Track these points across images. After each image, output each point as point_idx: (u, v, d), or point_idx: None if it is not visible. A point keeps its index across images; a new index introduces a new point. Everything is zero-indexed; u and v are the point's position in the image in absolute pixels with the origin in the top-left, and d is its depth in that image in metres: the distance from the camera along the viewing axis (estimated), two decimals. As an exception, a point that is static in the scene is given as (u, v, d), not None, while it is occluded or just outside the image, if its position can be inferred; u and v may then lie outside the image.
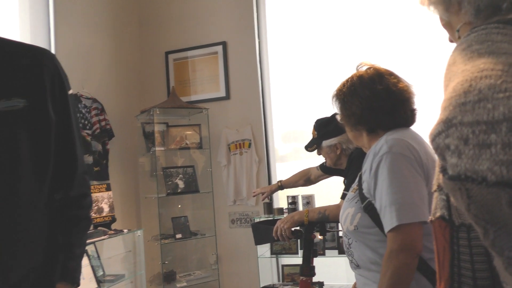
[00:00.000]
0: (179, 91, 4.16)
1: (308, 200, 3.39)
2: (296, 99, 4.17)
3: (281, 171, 4.20)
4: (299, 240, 3.38)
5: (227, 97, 4.21)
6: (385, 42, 3.82)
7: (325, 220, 2.10)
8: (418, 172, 1.30)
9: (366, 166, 1.40)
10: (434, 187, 0.74)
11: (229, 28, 4.23)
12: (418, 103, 1.49)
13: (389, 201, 1.27)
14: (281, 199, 3.99)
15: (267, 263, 3.72)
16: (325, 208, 2.13)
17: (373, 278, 1.39)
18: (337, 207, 2.12)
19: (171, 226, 3.72)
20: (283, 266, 3.58)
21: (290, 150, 4.38)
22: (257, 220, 3.41)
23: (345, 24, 3.97)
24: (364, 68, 1.51)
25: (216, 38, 4.27)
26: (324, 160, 2.60)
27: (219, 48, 4.27)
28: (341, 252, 3.12)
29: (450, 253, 0.70)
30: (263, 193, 2.83)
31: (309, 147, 2.41)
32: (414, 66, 3.65)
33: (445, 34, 0.90)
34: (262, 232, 2.28)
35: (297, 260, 3.51)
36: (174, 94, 3.82)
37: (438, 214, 0.72)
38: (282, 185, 2.81)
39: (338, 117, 1.61)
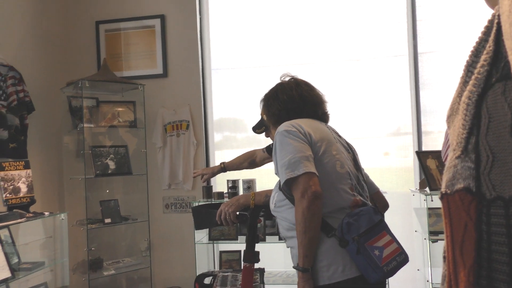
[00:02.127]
0: (111, 65, 3.82)
1: (249, 184, 3.27)
2: (237, 83, 4.02)
3: (219, 156, 4.04)
4: (238, 225, 3.26)
5: (165, 74, 3.95)
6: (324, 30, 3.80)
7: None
8: (302, 139, 1.59)
9: None
10: (457, 153, 0.61)
11: (168, 1, 3.95)
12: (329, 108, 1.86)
13: (280, 165, 1.58)
14: (220, 184, 3.83)
15: (203, 250, 3.56)
16: (271, 191, 2.02)
17: (292, 243, 1.60)
18: None
19: (99, 210, 3.41)
20: (221, 252, 3.43)
21: (221, 138, 4.20)
22: (196, 204, 3.21)
23: (293, 5, 3.89)
24: (287, 79, 1.84)
25: (154, 11, 3.98)
26: (271, 143, 2.49)
27: (157, 22, 3.99)
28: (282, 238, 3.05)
29: (476, 234, 0.58)
30: (204, 175, 2.65)
31: (257, 129, 2.27)
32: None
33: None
34: (204, 216, 2.11)
35: (236, 246, 3.39)
36: (106, 67, 3.49)
37: (459, 185, 0.60)
38: (225, 167, 2.65)
39: (264, 117, 1.90)
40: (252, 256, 1.93)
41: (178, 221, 3.84)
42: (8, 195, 2.59)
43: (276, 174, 1.69)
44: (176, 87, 3.92)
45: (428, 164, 3.04)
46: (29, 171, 2.76)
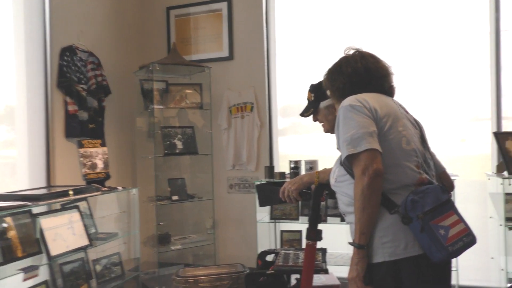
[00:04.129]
0: (180, 49, 3.96)
1: (312, 165, 3.26)
2: (300, 68, 3.98)
3: (283, 139, 4.06)
4: (300, 205, 3.27)
5: (230, 57, 4.02)
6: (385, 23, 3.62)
7: None
8: (367, 114, 1.53)
9: None
10: None
11: (235, -16, 4.00)
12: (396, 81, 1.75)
13: (342, 141, 1.54)
14: (282, 164, 3.86)
15: (265, 229, 3.62)
16: None
17: (352, 219, 1.57)
18: None
19: (167, 187, 3.59)
20: (282, 231, 3.48)
21: (289, 124, 4.18)
22: (259, 182, 3.27)
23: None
24: (351, 52, 1.75)
25: (221, -6, 4.04)
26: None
27: (224, 5, 4.05)
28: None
29: None
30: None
31: (305, 112, 2.21)
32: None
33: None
34: (268, 193, 2.13)
35: (297, 226, 3.41)
36: (175, 50, 3.63)
37: None
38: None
39: (328, 93, 1.82)
40: (314, 234, 1.92)
41: (241, 201, 3.95)
42: (86, 170, 2.82)
43: (337, 149, 1.66)
44: (241, 69, 3.99)
45: (508, 147, 2.82)
46: (105, 148, 2.98)
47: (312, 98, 2.17)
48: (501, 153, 2.85)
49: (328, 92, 1.83)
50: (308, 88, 2.24)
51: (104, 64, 3.64)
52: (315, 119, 2.24)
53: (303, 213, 3.28)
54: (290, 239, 3.34)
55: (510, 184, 2.67)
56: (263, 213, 3.48)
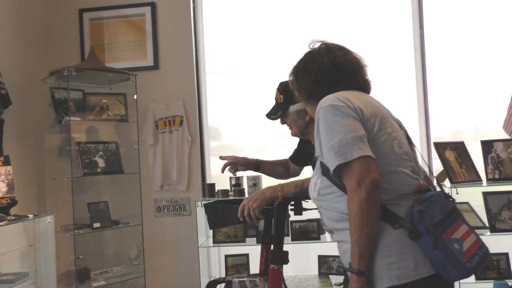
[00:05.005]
0: (90, 63, 3.47)
1: (255, 181, 3.00)
2: (232, 74, 3.76)
3: (216, 152, 3.76)
4: (244, 226, 2.98)
5: (156, 66, 3.65)
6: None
7: (303, 194, 1.73)
8: (352, 115, 1.33)
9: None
10: None
11: (159, -13, 3.67)
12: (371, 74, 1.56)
13: (327, 148, 1.32)
14: (220, 181, 3.52)
15: (204, 254, 3.24)
16: (302, 181, 1.77)
17: (343, 237, 1.36)
18: None
19: (86, 213, 3.06)
20: (226, 256, 3.14)
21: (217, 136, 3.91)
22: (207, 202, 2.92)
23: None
24: (317, 45, 1.55)
25: (144, -2, 3.68)
26: (294, 151, 2.25)
27: (147, 10, 3.69)
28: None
29: None
30: (234, 164, 2.18)
31: (273, 115, 2.01)
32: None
33: None
34: (221, 213, 1.84)
35: (243, 249, 3.09)
36: (93, 55, 3.16)
37: None
38: (259, 164, 2.27)
39: (296, 94, 1.60)
40: (280, 256, 1.66)
41: (172, 225, 3.53)
42: (-15, 195, 2.23)
43: (316, 157, 1.44)
44: (168, 80, 3.63)
45: (447, 156, 2.85)
46: (9, 168, 2.41)
47: (281, 100, 1.95)
48: (441, 163, 2.87)
49: (296, 93, 1.61)
50: (277, 87, 2.01)
51: (2, 71, 3.04)
52: (283, 122, 2.03)
53: (248, 235, 2.98)
54: (235, 264, 3.01)
55: (457, 193, 2.67)
56: (202, 237, 3.11)
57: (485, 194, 2.86)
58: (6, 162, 2.40)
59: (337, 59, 1.47)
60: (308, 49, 1.58)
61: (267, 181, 3.18)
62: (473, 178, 2.86)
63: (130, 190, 3.33)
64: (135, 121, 3.31)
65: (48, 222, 2.47)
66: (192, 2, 3.68)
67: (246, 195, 2.97)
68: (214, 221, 1.89)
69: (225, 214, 1.81)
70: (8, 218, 2.26)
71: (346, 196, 1.29)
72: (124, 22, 3.72)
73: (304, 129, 1.97)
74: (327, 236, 3.03)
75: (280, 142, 3.69)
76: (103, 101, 3.16)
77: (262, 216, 1.69)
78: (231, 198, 2.87)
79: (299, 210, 1.71)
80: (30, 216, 2.36)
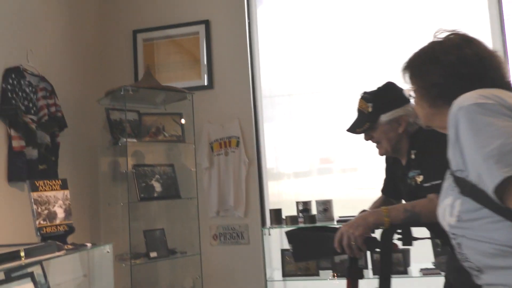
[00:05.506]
0: (146, 81, 3.35)
1: (326, 206, 2.73)
2: (292, 92, 3.55)
3: (274, 175, 3.51)
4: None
5: (210, 86, 3.49)
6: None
7: (415, 221, 1.45)
8: (506, 113, 1.02)
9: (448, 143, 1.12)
10: None
11: (213, 4, 3.54)
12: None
13: (482, 158, 0.99)
14: (285, 206, 3.24)
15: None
16: (412, 205, 1.49)
17: (502, 279, 1.03)
18: (430, 201, 1.48)
19: (141, 241, 2.86)
20: None
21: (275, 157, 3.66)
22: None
23: (349, 7, 3.45)
24: (444, 35, 1.27)
25: (197, 16, 3.56)
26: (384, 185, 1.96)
27: (201, 28, 3.57)
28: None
29: None
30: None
31: (358, 128, 1.74)
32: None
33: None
34: (313, 243, 1.57)
35: (315, 284, 2.77)
36: (149, 74, 3.03)
37: None
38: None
39: (410, 93, 1.32)
40: None
41: (230, 255, 3.27)
42: (41, 221, 2.07)
43: (453, 172, 1.13)
44: (223, 99, 3.45)
45: None
46: (66, 192, 2.25)
47: (370, 109, 1.69)
48: None
49: (412, 93, 1.31)
50: (361, 96, 1.76)
51: (58, 92, 2.95)
52: (368, 138, 1.75)
53: (322, 267, 2.68)
54: None
55: None
56: (268, 269, 2.83)
57: None
58: (64, 186, 2.25)
59: (481, 51, 1.21)
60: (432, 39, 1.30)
61: (339, 206, 2.90)
62: None
63: (186, 217, 3.11)
64: (193, 143, 3.13)
65: (106, 252, 2.28)
66: (247, 19, 3.53)
67: (317, 223, 2.68)
68: (303, 253, 1.61)
69: (317, 244, 1.54)
70: (65, 247, 2.08)
71: (508, 222, 0.99)
72: (178, 41, 3.61)
73: (395, 144, 1.69)
74: (412, 269, 2.67)
75: (320, 167, 3.43)
76: (159, 121, 3.00)
77: (365, 247, 1.42)
78: (318, 225, 2.58)
79: (408, 239, 1.42)
80: (88, 245, 2.17)
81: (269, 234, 2.73)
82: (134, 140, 2.91)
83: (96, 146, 3.23)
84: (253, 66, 3.54)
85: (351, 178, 3.29)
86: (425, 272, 2.61)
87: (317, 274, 2.70)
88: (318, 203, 2.77)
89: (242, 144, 3.38)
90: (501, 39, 3.18)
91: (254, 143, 3.39)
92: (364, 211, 1.86)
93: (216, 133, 3.42)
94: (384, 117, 1.67)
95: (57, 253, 1.96)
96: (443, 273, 2.54)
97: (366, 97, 1.73)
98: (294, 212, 2.90)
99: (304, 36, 3.51)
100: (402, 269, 2.60)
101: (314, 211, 2.78)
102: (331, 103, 3.42)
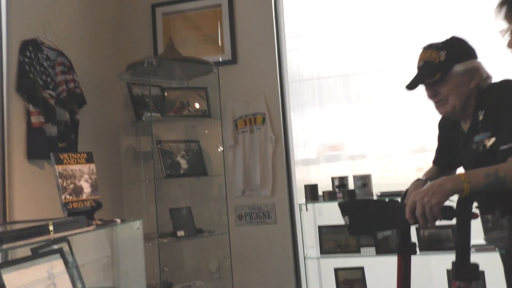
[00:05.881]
0: (170, 52, 3.20)
1: (364, 181, 2.57)
2: (319, 67, 3.38)
3: (302, 153, 3.37)
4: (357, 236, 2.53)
5: (234, 61, 3.33)
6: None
7: (500, 185, 1.29)
8: None
9: None
10: None
11: (235, -25, 3.37)
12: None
13: None
14: (317, 181, 3.10)
15: (309, 267, 2.80)
16: (495, 168, 1.31)
17: None
18: None
19: (167, 220, 2.74)
20: (336, 270, 2.70)
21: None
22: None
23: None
24: None
25: (219, -13, 3.39)
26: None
27: (223, 0, 3.40)
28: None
29: None
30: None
31: (428, 78, 1.51)
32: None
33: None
34: (373, 213, 1.43)
35: (357, 261, 2.62)
36: (172, 47, 2.88)
37: None
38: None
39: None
40: (467, 271, 1.23)
41: (256, 235, 3.15)
42: (68, 196, 1.95)
43: None
44: (248, 74, 3.30)
45: None
46: (92, 166, 2.12)
47: (443, 57, 1.50)
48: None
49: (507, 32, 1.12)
50: (427, 46, 1.58)
51: (76, 68, 2.82)
52: (433, 93, 1.56)
53: (363, 244, 2.54)
54: (348, 279, 2.57)
55: None
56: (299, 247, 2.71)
57: None
58: (89, 160, 2.12)
59: None
60: None
61: (377, 180, 2.76)
62: None
63: (212, 195, 2.98)
64: (219, 118, 2.98)
65: (136, 229, 2.16)
66: (271, -10, 3.36)
67: (357, 197, 2.53)
68: (362, 224, 1.46)
69: (380, 214, 1.40)
70: (95, 222, 1.96)
71: None
72: (199, 14, 3.45)
73: (465, 101, 1.52)
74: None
75: (327, 155, 3.28)
76: (184, 96, 2.85)
77: (441, 217, 1.26)
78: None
79: (491, 207, 1.27)
80: (118, 221, 2.05)
81: (306, 210, 2.60)
82: (158, 114, 2.77)
83: (117, 123, 3.11)
84: (279, 39, 3.37)
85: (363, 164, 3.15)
86: (478, 248, 2.46)
87: (358, 251, 2.55)
88: (356, 177, 2.62)
89: (268, 120, 3.24)
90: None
91: (281, 120, 3.24)
92: (418, 180, 1.71)
93: (241, 110, 3.28)
94: (458, 67, 1.49)
95: (86, 229, 1.84)
96: (497, 249, 2.40)
97: (438, 45, 1.54)
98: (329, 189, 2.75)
99: (332, 9, 3.33)
100: (451, 245, 2.45)
101: (350, 186, 2.64)
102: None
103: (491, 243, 2.43)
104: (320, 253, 2.64)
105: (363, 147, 3.19)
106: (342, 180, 2.62)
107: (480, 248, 2.45)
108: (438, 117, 1.74)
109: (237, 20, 3.35)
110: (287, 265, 3.01)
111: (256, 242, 3.12)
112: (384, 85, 3.21)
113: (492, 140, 1.42)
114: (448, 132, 1.69)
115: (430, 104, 1.60)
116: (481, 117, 1.48)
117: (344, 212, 1.48)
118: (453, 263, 1.25)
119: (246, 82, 3.28)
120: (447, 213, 1.25)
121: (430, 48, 1.56)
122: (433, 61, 1.52)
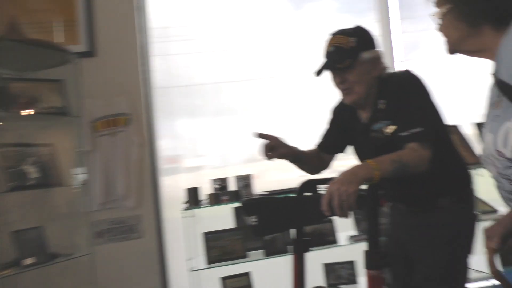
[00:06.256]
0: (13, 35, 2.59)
1: (246, 181, 2.47)
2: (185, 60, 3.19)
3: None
4: (243, 237, 2.36)
5: (91, 53, 2.89)
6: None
7: (404, 170, 1.31)
8: None
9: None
10: None
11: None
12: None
13: None
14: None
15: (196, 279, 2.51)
16: (398, 155, 1.34)
17: None
18: (414, 151, 1.37)
19: (9, 245, 2.16)
20: (223, 279, 2.45)
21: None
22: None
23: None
24: None
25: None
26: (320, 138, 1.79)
27: (78, -18, 2.92)
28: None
29: None
30: (276, 144, 1.58)
31: (338, 63, 1.50)
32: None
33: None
34: (283, 211, 1.34)
35: (244, 267, 2.44)
36: (16, 28, 2.32)
37: None
38: (300, 153, 1.67)
39: (438, 16, 1.12)
40: (377, 258, 1.21)
41: (122, 254, 2.77)
42: None
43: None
44: (108, 70, 2.90)
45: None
46: None
47: (353, 44, 1.49)
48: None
49: (440, 16, 1.11)
50: (338, 32, 1.56)
51: None
52: (341, 80, 1.54)
53: (250, 248, 2.39)
54: None
55: None
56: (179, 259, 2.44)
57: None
58: None
59: None
60: None
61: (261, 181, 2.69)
62: None
63: (70, 210, 2.49)
64: (78, 115, 2.51)
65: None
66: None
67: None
68: (271, 224, 1.35)
69: (295, 210, 1.31)
70: None
71: None
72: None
73: (368, 90, 1.54)
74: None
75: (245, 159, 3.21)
76: (33, 90, 2.31)
77: (357, 206, 1.21)
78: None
79: (398, 193, 1.29)
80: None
81: (193, 216, 2.38)
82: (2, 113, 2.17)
83: None
84: (142, 30, 3.04)
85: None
86: (356, 239, 2.58)
87: (244, 256, 2.41)
88: (238, 178, 2.51)
89: (132, 123, 2.90)
90: None
91: (145, 121, 2.94)
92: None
93: (100, 110, 2.86)
94: (365, 55, 1.51)
95: None
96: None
97: (349, 32, 1.53)
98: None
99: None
100: (333, 238, 2.53)
101: (231, 188, 2.51)
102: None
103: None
104: (208, 262, 2.41)
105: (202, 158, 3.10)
106: (223, 182, 2.50)
107: (358, 239, 2.57)
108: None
109: (96, 6, 2.93)
110: (155, 282, 2.73)
111: (123, 261, 2.74)
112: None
113: (392, 128, 1.47)
114: (345, 120, 1.71)
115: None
116: (381, 106, 1.52)
117: (250, 212, 1.35)
118: (365, 252, 1.23)
119: (106, 79, 2.89)
120: (361, 201, 1.22)
121: (340, 34, 1.55)
122: (343, 47, 1.51)
